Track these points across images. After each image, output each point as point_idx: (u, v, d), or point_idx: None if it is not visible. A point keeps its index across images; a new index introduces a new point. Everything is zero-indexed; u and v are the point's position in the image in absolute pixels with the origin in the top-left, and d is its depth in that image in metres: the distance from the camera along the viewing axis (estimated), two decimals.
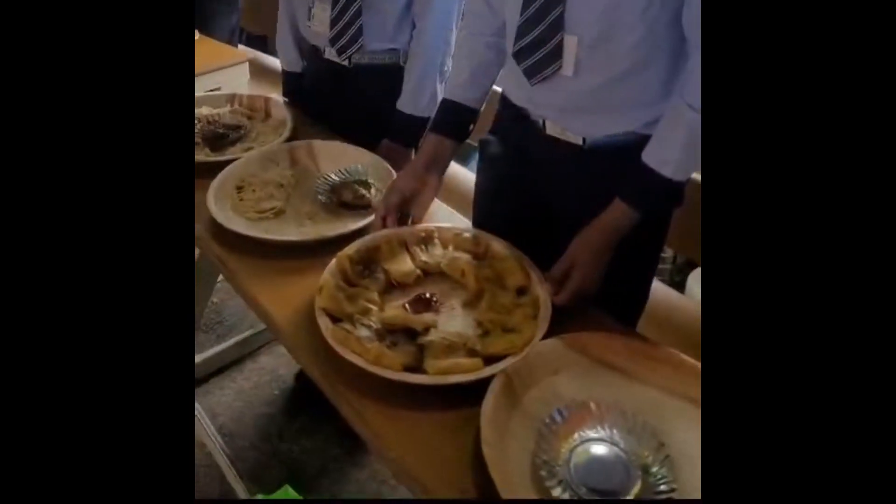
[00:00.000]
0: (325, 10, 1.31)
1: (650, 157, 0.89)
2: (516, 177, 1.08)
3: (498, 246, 1.03)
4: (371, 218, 1.09)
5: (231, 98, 1.51)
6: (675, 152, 0.87)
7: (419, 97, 1.32)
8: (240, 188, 1.20)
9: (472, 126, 1.11)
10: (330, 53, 1.36)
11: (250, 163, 1.25)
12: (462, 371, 0.80)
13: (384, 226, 1.05)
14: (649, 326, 1.10)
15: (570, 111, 0.95)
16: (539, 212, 1.08)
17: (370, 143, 1.31)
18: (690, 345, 0.96)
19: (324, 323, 0.87)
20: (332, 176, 1.22)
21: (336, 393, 0.83)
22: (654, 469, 0.72)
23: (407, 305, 0.95)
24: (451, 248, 1.03)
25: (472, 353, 0.85)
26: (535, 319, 0.89)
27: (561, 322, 0.89)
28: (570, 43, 0.87)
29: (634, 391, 0.83)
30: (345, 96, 1.39)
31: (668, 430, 0.77)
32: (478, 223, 1.14)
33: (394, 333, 0.88)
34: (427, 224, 1.08)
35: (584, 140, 0.96)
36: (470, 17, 1.09)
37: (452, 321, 0.92)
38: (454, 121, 1.10)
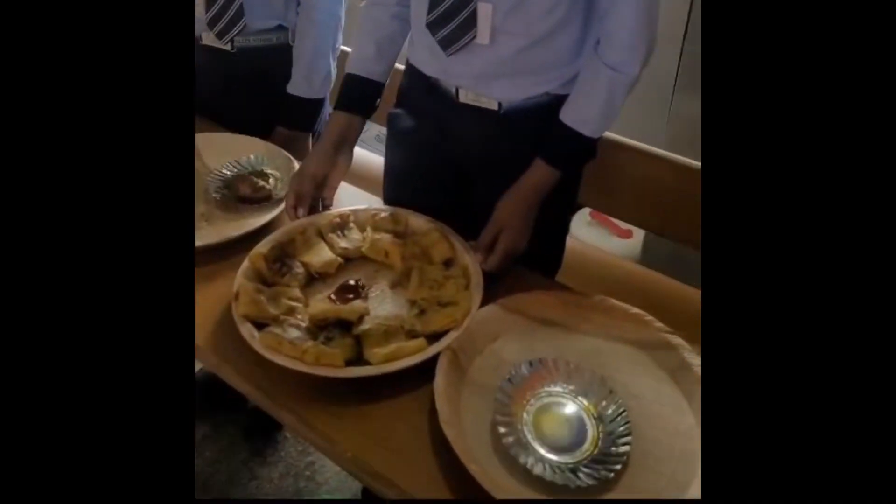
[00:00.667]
0: None
1: (569, 117, 0.90)
2: (429, 148, 1.05)
3: (417, 221, 1.00)
4: (278, 210, 1.01)
5: None
6: (594, 112, 0.89)
7: (313, 78, 1.24)
8: None
9: (378, 100, 1.06)
10: (209, 38, 1.23)
11: None
12: (407, 354, 0.78)
13: (296, 216, 0.99)
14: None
15: (486, 78, 0.92)
16: (455, 181, 1.06)
17: (263, 132, 1.22)
18: (594, 286, 1.03)
19: (247, 331, 0.80)
20: (224, 170, 1.12)
21: (275, 404, 0.77)
22: (609, 412, 0.74)
23: (333, 296, 0.90)
24: (369, 230, 0.99)
25: (411, 334, 0.82)
26: (467, 290, 0.88)
27: (491, 287, 0.89)
28: (485, 10, 0.85)
29: (575, 342, 0.84)
30: (230, 84, 1.27)
31: (611, 373, 0.80)
32: (390, 200, 1.10)
33: (325, 329, 0.83)
34: (340, 208, 1.03)
35: (500, 105, 0.94)
36: None
37: (384, 305, 0.89)
38: (361, 96, 1.04)
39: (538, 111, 0.93)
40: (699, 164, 1.22)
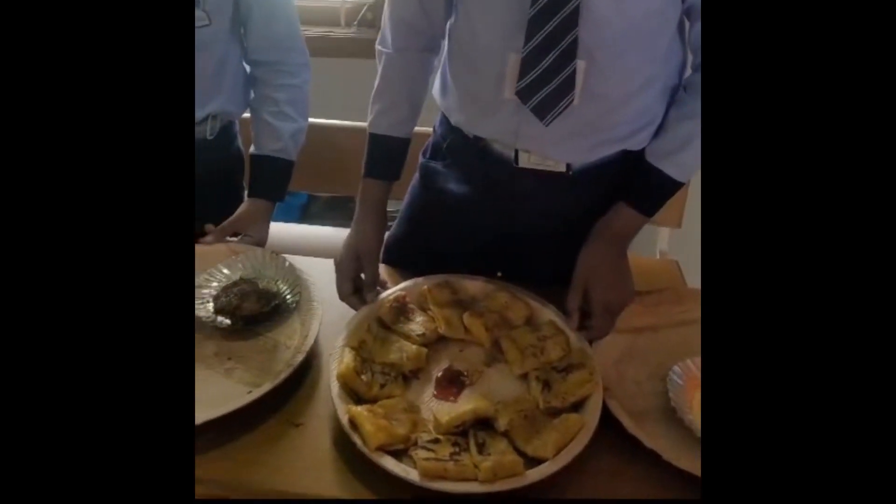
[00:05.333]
0: None
1: (671, 165, 0.83)
2: (471, 212, 0.95)
3: (474, 285, 0.92)
4: (316, 322, 0.85)
5: None
6: (696, 160, 0.83)
7: (298, 140, 1.09)
8: None
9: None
10: None
11: None
12: (573, 434, 0.71)
13: (360, 304, 0.88)
14: None
15: (562, 141, 0.83)
16: (489, 238, 0.98)
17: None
18: None
19: (397, 467, 0.67)
20: (205, 293, 0.91)
21: None
22: None
23: (436, 393, 0.79)
24: (433, 307, 0.88)
25: (552, 411, 0.75)
26: (569, 344, 0.84)
27: None
28: (580, 69, 0.76)
29: (671, 338, 0.88)
30: None
31: None
32: (398, 259, 1.02)
33: (458, 435, 0.73)
34: (388, 291, 0.90)
35: (568, 167, 0.86)
36: (401, 27, 0.88)
37: (499, 388, 0.80)
38: (396, 160, 0.93)
39: (611, 168, 0.86)
40: None
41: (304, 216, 2.10)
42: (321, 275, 0.93)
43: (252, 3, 1.04)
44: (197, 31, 0.99)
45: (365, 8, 1.97)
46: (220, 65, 1.05)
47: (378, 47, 0.93)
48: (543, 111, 0.78)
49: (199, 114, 1.05)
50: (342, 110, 1.45)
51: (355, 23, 1.99)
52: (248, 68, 1.12)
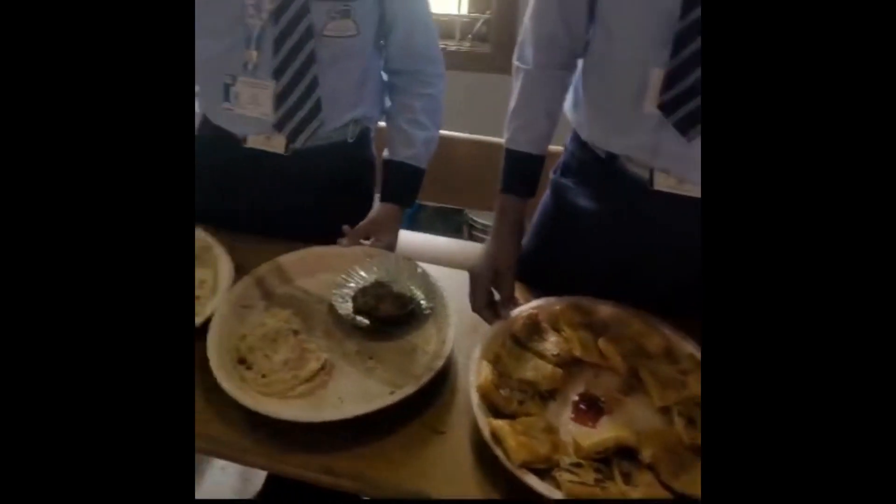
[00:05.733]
0: (264, 86, 0.99)
1: None
2: (598, 225, 0.94)
3: (605, 309, 0.91)
4: (452, 331, 0.85)
5: None
6: None
7: (430, 149, 1.13)
8: (241, 361, 0.83)
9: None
10: (258, 141, 1.05)
11: (226, 321, 0.86)
12: None
13: (495, 318, 0.87)
14: None
15: (700, 162, 0.79)
16: (620, 260, 0.95)
17: (323, 236, 1.03)
18: None
19: (540, 485, 0.66)
20: (344, 293, 0.93)
21: None
22: None
23: (573, 417, 0.78)
24: (566, 328, 0.88)
25: (697, 448, 0.72)
26: None
27: None
28: None
29: None
30: (270, 192, 1.08)
31: None
32: (529, 269, 0.99)
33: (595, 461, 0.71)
34: (520, 308, 0.90)
35: None
36: (542, 43, 0.89)
37: (638, 419, 0.78)
38: (534, 175, 0.93)
39: None
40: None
41: (412, 224, 2.14)
42: (448, 283, 0.94)
43: (397, 16, 1.07)
44: (346, 40, 1.03)
45: (480, 22, 2.01)
46: (364, 74, 1.09)
47: (516, 63, 0.93)
48: (686, 126, 0.76)
49: (344, 118, 1.08)
50: (455, 122, 1.48)
51: (469, 36, 2.02)
52: (384, 77, 1.15)
